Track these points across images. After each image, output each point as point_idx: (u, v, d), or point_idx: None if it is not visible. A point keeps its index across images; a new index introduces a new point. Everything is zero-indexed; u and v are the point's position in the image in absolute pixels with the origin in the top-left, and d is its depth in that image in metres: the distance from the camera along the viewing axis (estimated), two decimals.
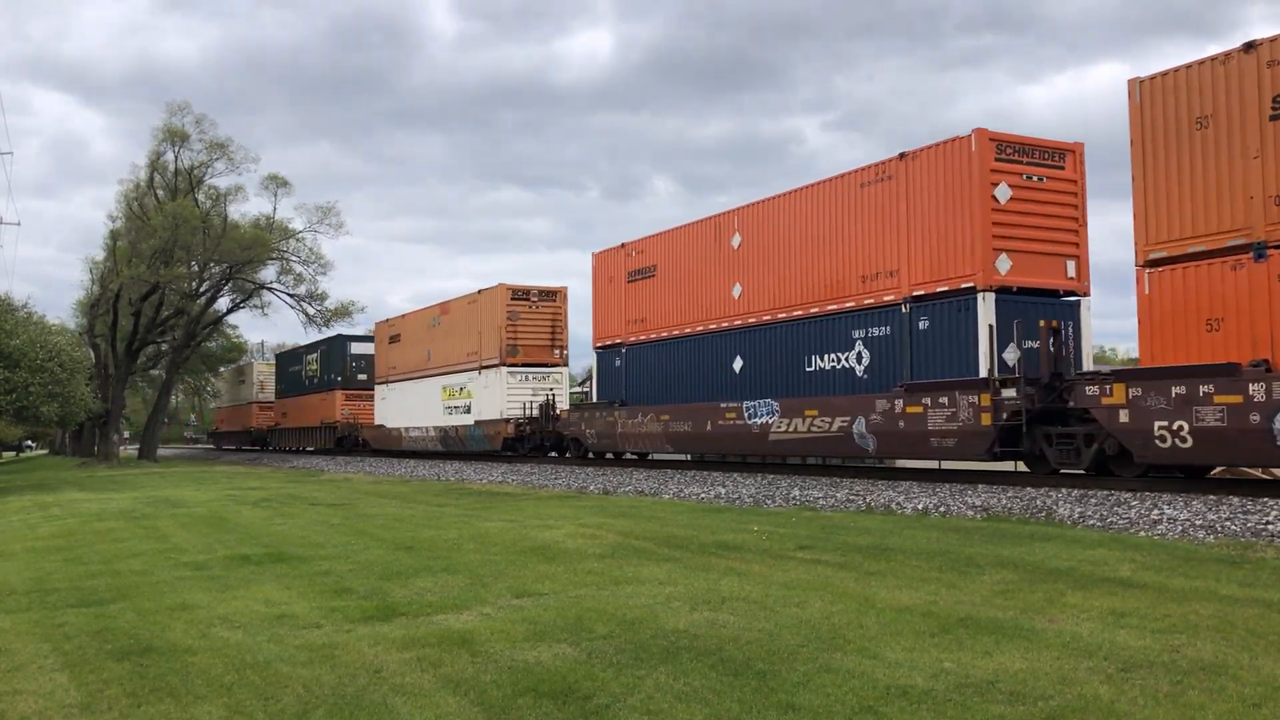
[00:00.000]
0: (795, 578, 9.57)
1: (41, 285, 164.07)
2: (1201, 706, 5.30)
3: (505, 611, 8.32)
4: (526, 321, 34.74)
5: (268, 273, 54.69)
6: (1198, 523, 12.16)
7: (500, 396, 34.11)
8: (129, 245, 51.65)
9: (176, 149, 51.72)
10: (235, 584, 10.08)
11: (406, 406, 41.41)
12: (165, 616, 8.47)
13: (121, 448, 64.46)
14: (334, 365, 50.65)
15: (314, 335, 55.85)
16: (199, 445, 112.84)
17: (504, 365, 34.13)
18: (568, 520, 15.22)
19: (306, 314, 54.43)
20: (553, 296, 35.49)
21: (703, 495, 19.69)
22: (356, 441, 49.24)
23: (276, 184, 54.75)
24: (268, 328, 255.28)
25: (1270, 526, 11.51)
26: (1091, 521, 13.09)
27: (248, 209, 65.75)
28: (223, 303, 57.69)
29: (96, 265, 61.34)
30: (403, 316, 43.13)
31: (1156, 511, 13.09)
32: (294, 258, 54.03)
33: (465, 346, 36.65)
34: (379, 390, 44.87)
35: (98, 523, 17.18)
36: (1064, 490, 16.00)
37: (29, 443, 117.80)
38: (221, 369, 75.96)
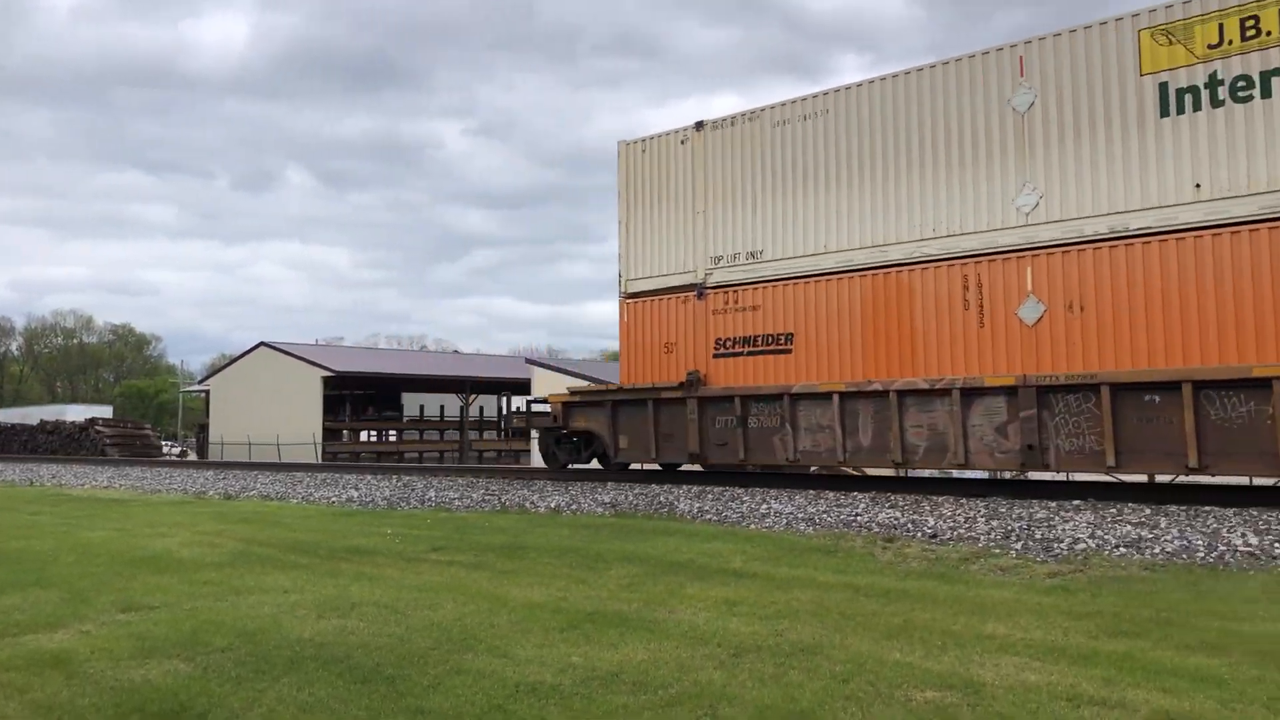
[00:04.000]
0: (428, 580, 9.48)
1: None
2: (800, 685, 5.78)
3: (109, 628, 7.62)
4: None
5: None
6: (800, 516, 13.29)
7: None
8: None
9: None
10: None
11: None
12: None
13: None
14: None
15: None
16: None
17: None
18: (183, 527, 14.21)
19: None
20: None
21: (334, 499, 19.07)
22: None
23: None
24: None
25: (859, 518, 12.79)
26: (709, 516, 13.95)
27: None
28: None
29: None
30: None
31: (765, 506, 14.18)
32: None
33: None
34: None
35: None
36: (684, 487, 16.97)
37: None
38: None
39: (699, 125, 18.08)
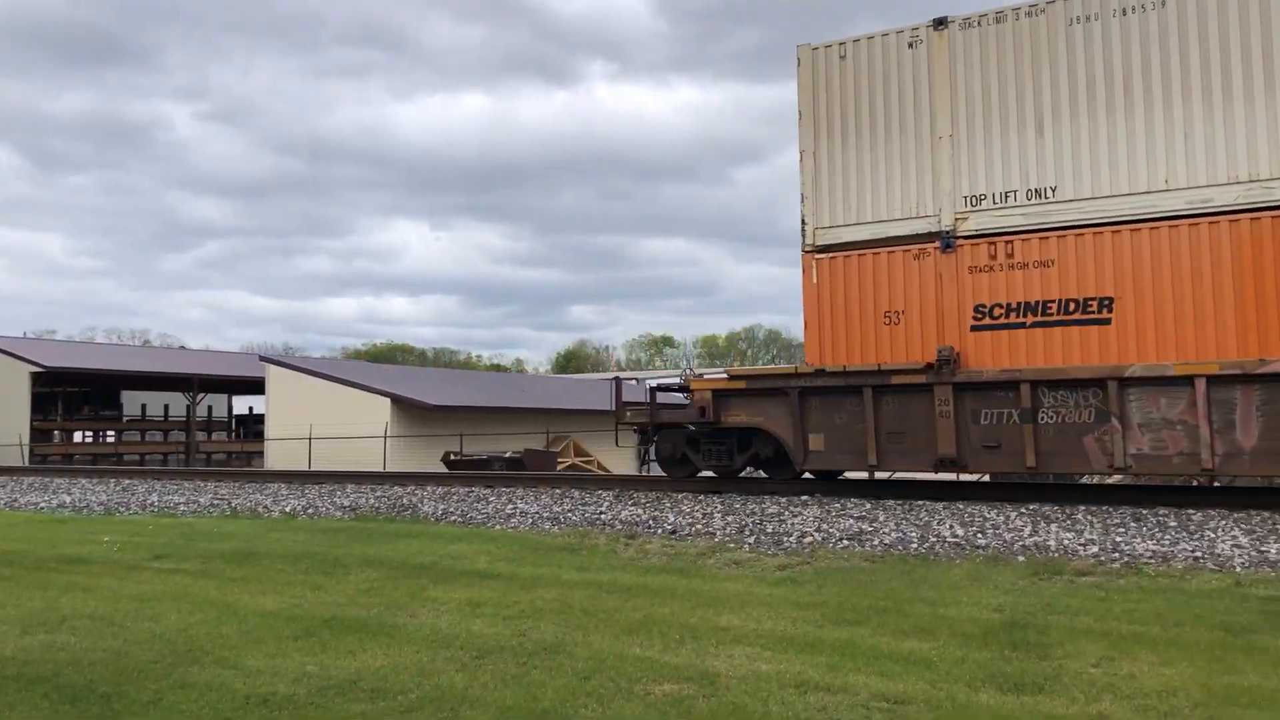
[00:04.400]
0: (150, 589, 8.91)
1: None
2: (542, 684, 5.81)
3: None
4: None
5: None
6: (545, 515, 13.37)
7: None
8: None
9: None
10: None
11: None
12: None
13: None
14: None
15: None
16: None
17: None
18: None
19: None
20: None
21: (43, 504, 17.60)
22: None
23: None
24: None
25: (602, 516, 13.01)
26: (453, 517, 13.81)
27: None
28: None
29: None
30: None
31: (511, 506, 14.18)
32: None
33: None
34: None
35: None
36: (429, 489, 16.74)
37: None
38: None
39: (939, 22, 13.96)
